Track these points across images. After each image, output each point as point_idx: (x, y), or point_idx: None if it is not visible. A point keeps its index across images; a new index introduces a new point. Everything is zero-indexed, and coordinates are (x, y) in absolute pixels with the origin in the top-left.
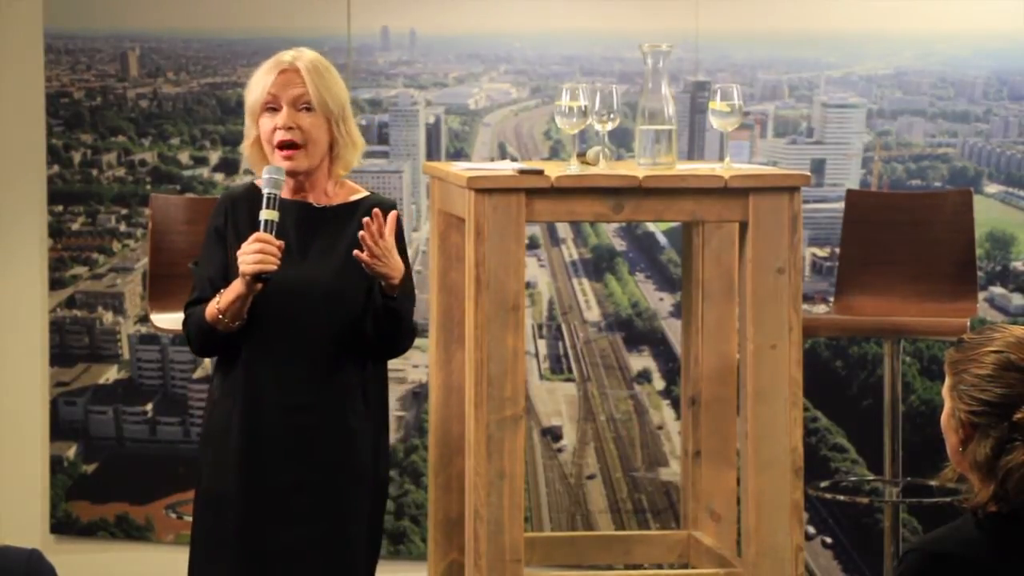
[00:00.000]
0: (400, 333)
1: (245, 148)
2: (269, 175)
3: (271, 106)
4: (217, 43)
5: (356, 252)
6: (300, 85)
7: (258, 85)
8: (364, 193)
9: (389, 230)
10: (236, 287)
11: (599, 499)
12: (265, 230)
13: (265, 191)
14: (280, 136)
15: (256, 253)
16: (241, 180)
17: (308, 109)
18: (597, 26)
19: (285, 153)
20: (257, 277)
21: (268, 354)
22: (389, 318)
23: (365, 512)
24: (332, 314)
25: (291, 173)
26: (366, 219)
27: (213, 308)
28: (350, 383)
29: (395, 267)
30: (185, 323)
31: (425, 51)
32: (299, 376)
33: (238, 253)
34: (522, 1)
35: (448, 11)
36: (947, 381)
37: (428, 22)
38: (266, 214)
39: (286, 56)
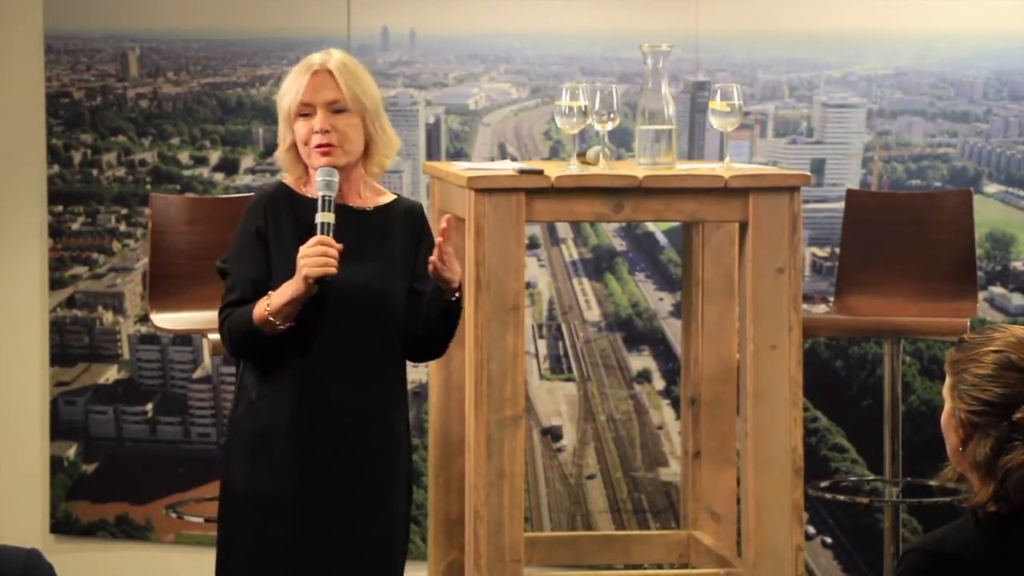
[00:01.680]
0: (453, 333)
1: (280, 153)
2: (323, 177)
3: (305, 112)
4: (217, 43)
5: (432, 259)
6: (333, 87)
7: (291, 91)
8: (392, 196)
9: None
10: (291, 289)
11: (599, 499)
12: (322, 232)
13: (320, 193)
14: (318, 139)
15: (320, 256)
16: (241, 180)
17: (343, 110)
18: (597, 26)
19: (323, 150)
20: (318, 280)
21: (315, 357)
22: (449, 319)
23: (404, 514)
24: (377, 317)
25: (341, 168)
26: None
27: (262, 310)
28: (393, 386)
29: (458, 271)
30: (224, 324)
31: (425, 51)
32: (346, 379)
33: (299, 256)
34: (522, 1)
35: (448, 11)
36: (947, 381)
37: (428, 22)
38: (323, 216)
39: (316, 58)
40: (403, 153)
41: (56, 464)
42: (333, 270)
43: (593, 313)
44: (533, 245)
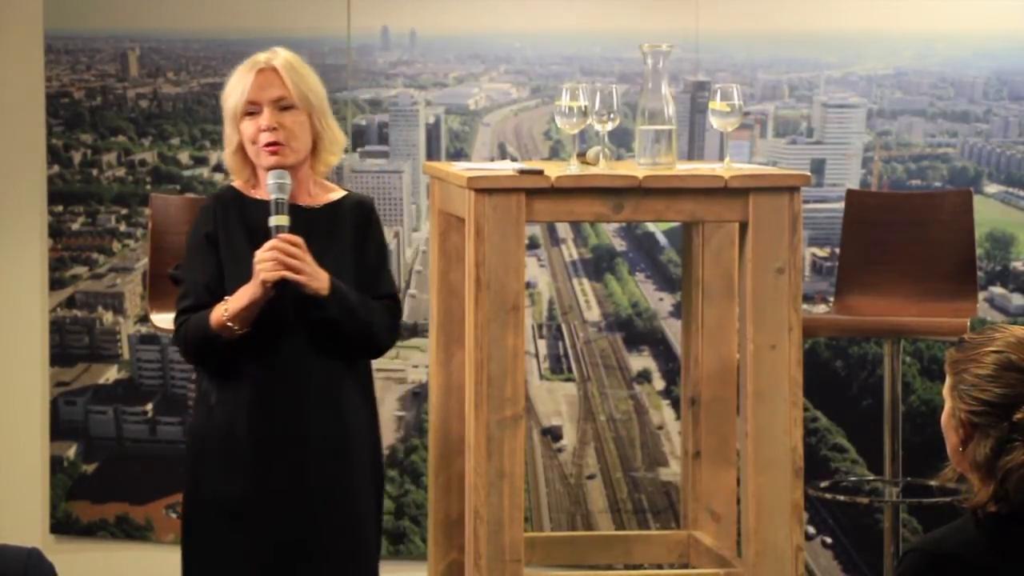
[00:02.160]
0: (355, 334)
1: (227, 156)
2: (275, 180)
3: (251, 110)
4: (217, 43)
5: (286, 274)
6: (279, 84)
7: (236, 90)
8: (342, 192)
9: (304, 247)
10: (248, 294)
11: (599, 499)
12: (276, 235)
13: (273, 196)
14: (265, 137)
15: (273, 260)
16: None
17: (289, 107)
18: (597, 26)
19: (271, 149)
20: (276, 284)
21: (271, 360)
22: (328, 326)
23: (372, 511)
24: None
25: (289, 167)
26: (280, 242)
27: (220, 316)
28: (351, 383)
29: (323, 278)
30: (180, 331)
31: (425, 51)
32: (303, 381)
33: (255, 260)
34: (522, 1)
35: (448, 11)
36: (947, 381)
37: (428, 22)
38: (276, 220)
39: (261, 57)
40: (403, 153)
41: (56, 464)
42: (289, 273)
43: (593, 313)
44: (533, 245)
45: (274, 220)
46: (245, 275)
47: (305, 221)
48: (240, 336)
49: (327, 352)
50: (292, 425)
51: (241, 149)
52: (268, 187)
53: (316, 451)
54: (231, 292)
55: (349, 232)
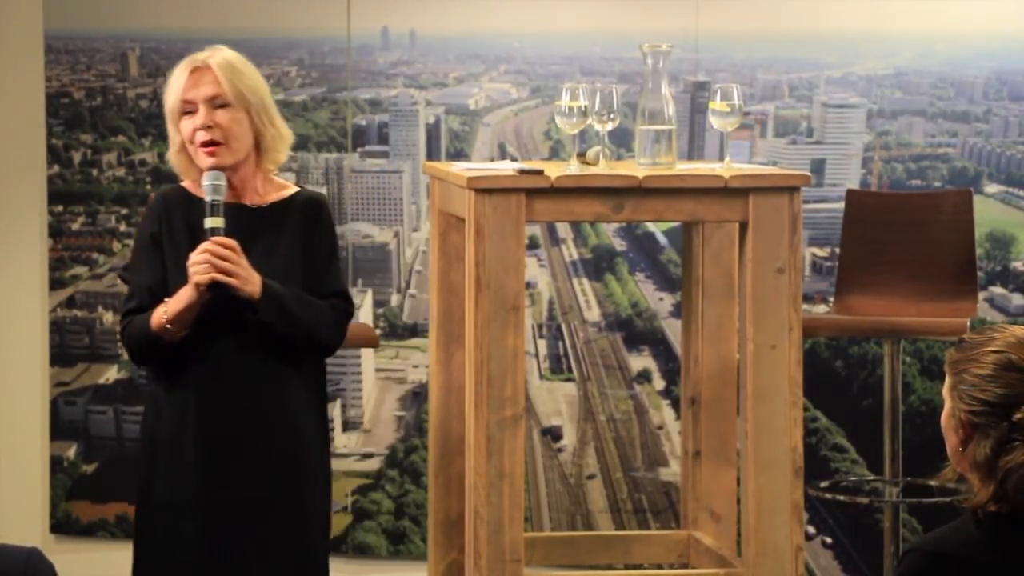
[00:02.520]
0: (292, 335)
1: (172, 156)
2: (210, 182)
3: (188, 109)
4: (217, 43)
5: (217, 276)
6: (213, 82)
7: (172, 89)
8: (294, 188)
9: (238, 250)
10: (184, 296)
11: (599, 499)
12: (210, 238)
13: (208, 199)
14: (201, 136)
15: (205, 264)
16: None
17: (225, 105)
18: (597, 26)
19: (209, 150)
20: (210, 287)
21: (216, 361)
22: (263, 328)
23: (319, 510)
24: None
25: (227, 168)
26: (214, 245)
27: (160, 318)
28: (297, 383)
29: (256, 282)
30: (124, 332)
31: (425, 51)
32: (249, 382)
33: (188, 263)
34: (522, 1)
35: (448, 11)
36: (947, 381)
37: (428, 22)
38: (211, 222)
39: (199, 55)
40: (403, 153)
41: (56, 464)
42: (221, 276)
43: (593, 313)
44: (533, 245)
45: (209, 222)
46: (185, 276)
47: (250, 220)
48: (181, 338)
49: (269, 353)
50: (236, 426)
51: (185, 149)
52: (204, 188)
53: (261, 452)
54: (174, 293)
55: (298, 230)
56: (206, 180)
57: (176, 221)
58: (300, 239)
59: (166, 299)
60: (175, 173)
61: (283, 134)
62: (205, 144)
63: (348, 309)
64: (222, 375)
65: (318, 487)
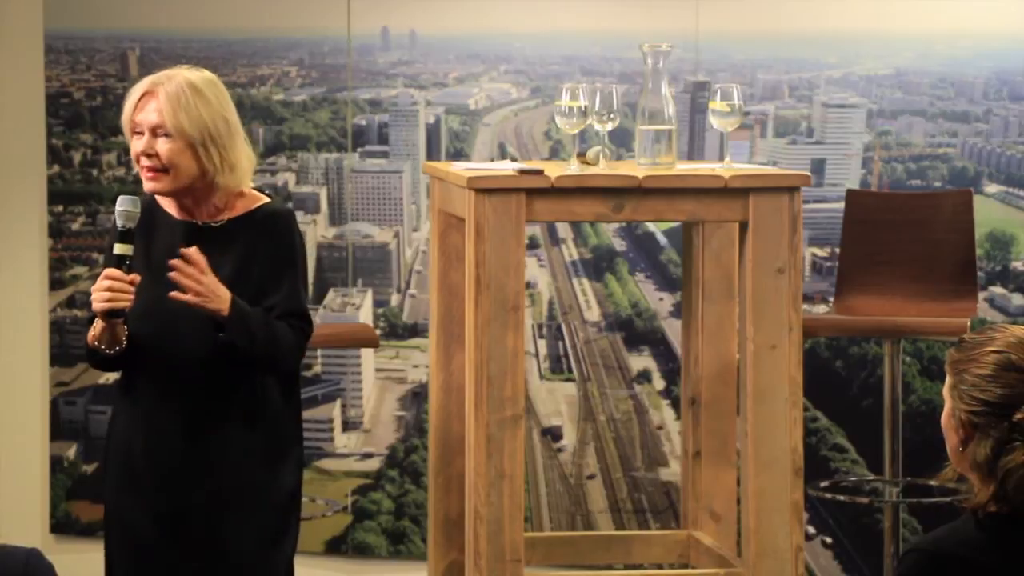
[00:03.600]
0: (256, 356)
1: (135, 166)
2: (122, 207)
3: (137, 129)
4: (217, 43)
5: (174, 294)
6: (157, 111)
7: (126, 107)
8: (261, 202)
9: (203, 267)
10: (98, 320)
11: (599, 499)
12: (118, 265)
13: (119, 223)
14: (144, 162)
15: (105, 291)
16: None
17: (167, 135)
18: (597, 26)
19: (149, 175)
20: (111, 313)
21: (155, 377)
22: (227, 348)
23: (270, 530)
24: (217, 333)
25: (169, 194)
26: (179, 261)
27: (91, 334)
28: (239, 401)
29: (223, 298)
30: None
31: (425, 51)
32: (194, 395)
33: (92, 290)
34: (522, 1)
35: (448, 11)
36: (947, 381)
37: (428, 22)
38: (120, 248)
39: (157, 78)
40: (403, 153)
41: (56, 464)
42: (123, 304)
43: (593, 313)
44: (533, 245)
45: (118, 249)
46: (140, 290)
47: (198, 238)
48: (119, 355)
49: (220, 369)
50: (185, 439)
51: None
52: (116, 213)
53: (212, 463)
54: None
55: (252, 246)
56: (118, 206)
57: (137, 235)
58: (252, 255)
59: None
60: None
61: (234, 164)
62: (148, 169)
63: (307, 330)
64: (167, 388)
65: (264, 506)
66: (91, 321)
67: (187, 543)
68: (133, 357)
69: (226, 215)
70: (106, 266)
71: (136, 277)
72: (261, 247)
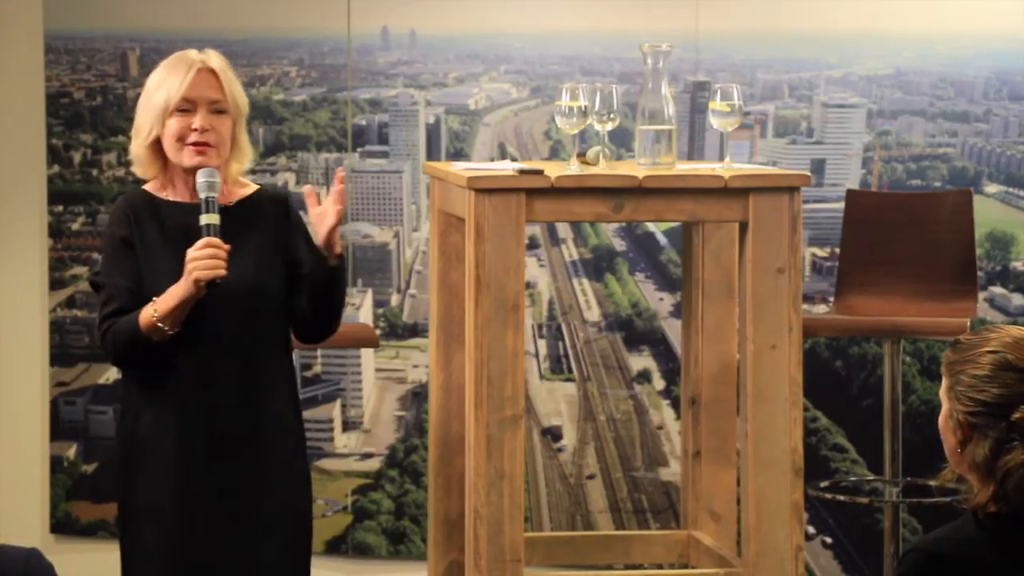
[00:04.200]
0: (342, 304)
1: (139, 148)
2: (205, 179)
3: (185, 107)
4: (217, 43)
5: (321, 232)
6: (216, 87)
7: (170, 84)
8: (254, 187)
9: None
10: (179, 293)
11: (599, 499)
12: (208, 234)
13: (203, 195)
14: (194, 137)
15: (210, 259)
16: None
17: (221, 111)
18: (597, 26)
19: (199, 149)
20: (210, 283)
21: (197, 360)
22: (336, 288)
23: (303, 509)
24: (255, 311)
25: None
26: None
27: (150, 317)
28: (278, 378)
29: (338, 238)
30: (108, 335)
31: (425, 51)
32: (230, 378)
33: (188, 259)
34: (522, 1)
35: (448, 11)
36: (944, 383)
37: (428, 22)
38: (208, 218)
39: (195, 56)
40: (403, 153)
41: (56, 464)
42: (223, 272)
43: (593, 313)
44: (533, 245)
45: (205, 219)
46: (163, 277)
47: (221, 219)
48: (170, 337)
49: (251, 352)
50: (221, 425)
51: (156, 143)
52: (198, 185)
53: (248, 449)
54: (150, 294)
55: (270, 226)
56: (201, 177)
57: (147, 224)
58: (271, 234)
59: (153, 299)
60: None
61: (248, 150)
62: (196, 144)
63: None
64: (203, 374)
65: (301, 485)
66: (117, 312)
67: (233, 516)
68: (167, 344)
69: (233, 198)
70: (109, 254)
71: (229, 247)
72: (281, 224)
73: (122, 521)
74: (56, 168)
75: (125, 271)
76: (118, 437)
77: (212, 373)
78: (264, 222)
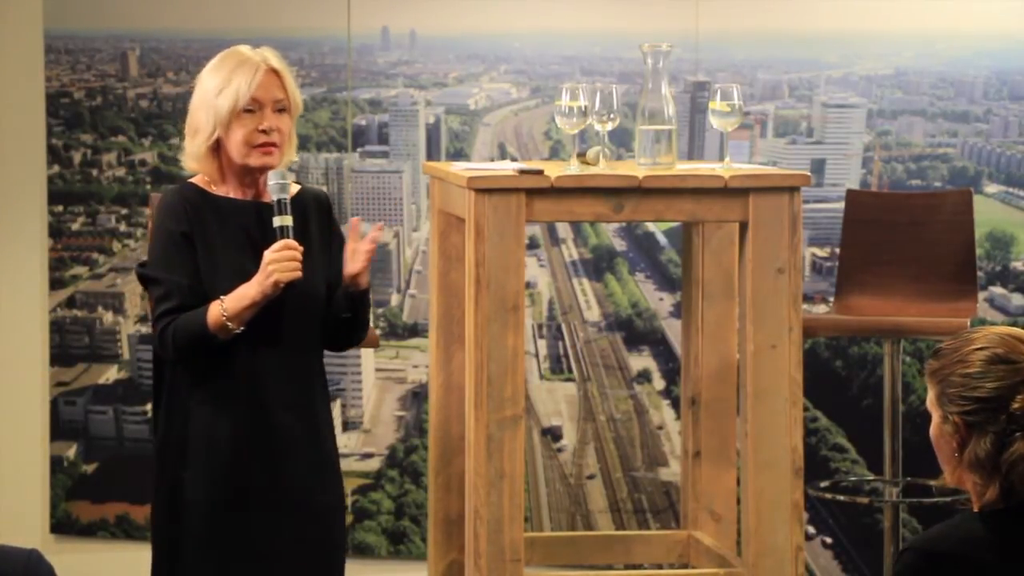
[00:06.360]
0: (368, 319)
1: (200, 147)
2: (276, 180)
3: (251, 108)
4: (217, 43)
5: (349, 271)
6: (279, 87)
7: (239, 85)
8: (296, 185)
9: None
10: (250, 294)
11: (599, 499)
12: (284, 236)
13: (275, 197)
14: (261, 138)
15: (291, 261)
16: None
17: (283, 110)
18: (597, 26)
19: (266, 149)
20: (288, 284)
21: (249, 357)
22: (364, 305)
23: (344, 504)
24: (306, 310)
25: (260, 171)
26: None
27: (218, 316)
28: (320, 378)
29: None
30: (167, 331)
31: (425, 51)
32: (281, 375)
33: (267, 260)
34: (522, 1)
35: (448, 11)
36: (931, 393)
37: (428, 22)
38: (282, 220)
39: (254, 56)
40: (403, 153)
41: (56, 464)
42: (299, 274)
43: (593, 313)
44: (533, 245)
45: (279, 220)
46: (225, 275)
47: (268, 218)
48: (234, 336)
49: (295, 350)
50: (273, 420)
51: (218, 144)
52: (270, 187)
53: (295, 444)
54: (210, 291)
55: (315, 228)
56: (273, 179)
57: (207, 221)
58: (317, 237)
59: (221, 297)
60: (174, 173)
61: (296, 142)
62: (264, 145)
63: None
64: (255, 370)
65: (340, 481)
66: (176, 309)
67: (287, 510)
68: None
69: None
70: (165, 248)
71: (303, 248)
72: (324, 226)
73: (164, 517)
74: (56, 168)
75: (184, 267)
76: (162, 435)
77: (265, 371)
78: (311, 222)
